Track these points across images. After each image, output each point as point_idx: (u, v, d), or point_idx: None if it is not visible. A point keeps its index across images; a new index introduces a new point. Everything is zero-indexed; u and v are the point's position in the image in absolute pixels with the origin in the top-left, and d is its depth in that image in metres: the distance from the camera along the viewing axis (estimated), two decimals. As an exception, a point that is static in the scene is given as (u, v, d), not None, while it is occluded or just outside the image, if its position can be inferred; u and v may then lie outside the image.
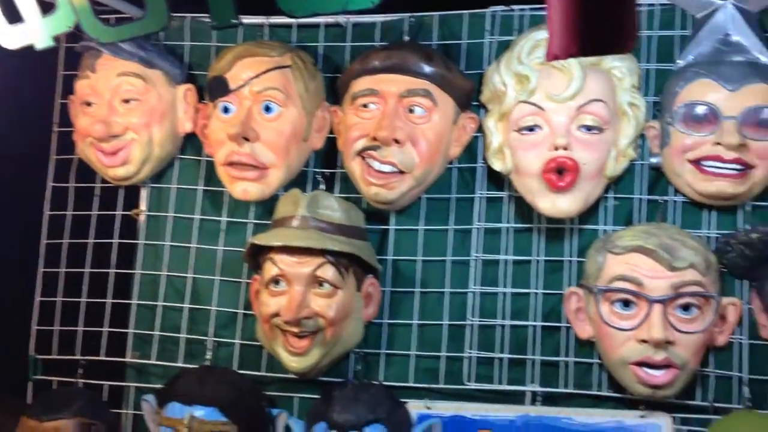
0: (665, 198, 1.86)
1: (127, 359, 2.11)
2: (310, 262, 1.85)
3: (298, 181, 2.04)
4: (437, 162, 1.94)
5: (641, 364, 1.71)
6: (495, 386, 1.90)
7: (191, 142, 2.13)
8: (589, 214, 1.91)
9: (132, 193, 2.17)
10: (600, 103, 1.81)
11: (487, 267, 1.96)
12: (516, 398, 1.89)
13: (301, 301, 1.84)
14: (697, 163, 1.76)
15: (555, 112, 1.81)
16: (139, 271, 2.13)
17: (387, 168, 1.90)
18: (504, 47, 1.94)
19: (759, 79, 1.73)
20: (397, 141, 1.88)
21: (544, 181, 1.81)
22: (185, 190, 2.12)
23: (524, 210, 1.93)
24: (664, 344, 1.69)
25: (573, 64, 1.80)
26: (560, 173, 1.80)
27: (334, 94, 2.06)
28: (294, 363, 1.88)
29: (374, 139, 1.89)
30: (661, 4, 1.90)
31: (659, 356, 1.69)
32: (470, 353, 1.93)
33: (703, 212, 1.84)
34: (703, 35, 1.79)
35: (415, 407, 1.88)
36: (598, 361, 1.84)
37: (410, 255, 2.00)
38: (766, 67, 1.75)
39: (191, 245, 2.09)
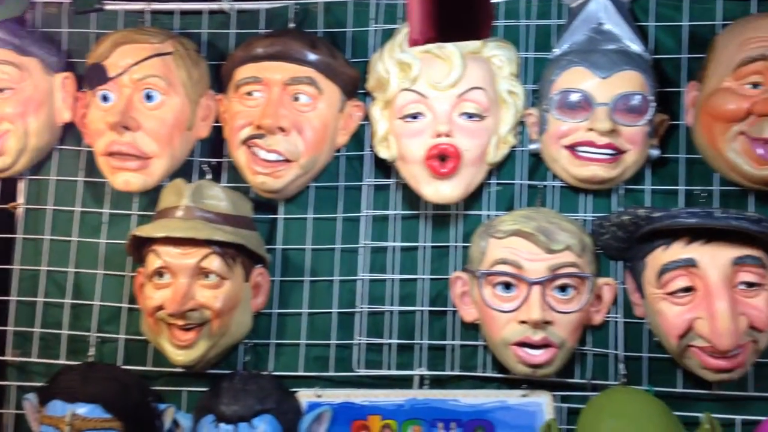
0: (544, 183, 1.92)
1: (7, 358, 2.03)
2: (195, 253, 1.83)
3: (184, 171, 2.01)
4: (324, 150, 1.94)
5: (521, 344, 1.76)
6: (384, 372, 1.92)
7: (70, 132, 2.06)
8: (474, 199, 1.95)
9: (9, 186, 2.09)
10: (480, 90, 1.85)
11: (376, 254, 1.98)
12: (405, 383, 1.92)
13: (186, 292, 1.81)
14: (572, 148, 1.82)
15: (437, 99, 1.84)
16: (18, 267, 2.05)
17: (273, 156, 1.89)
18: (389, 35, 1.95)
19: (629, 66, 1.80)
20: (282, 129, 1.88)
21: (427, 168, 1.83)
22: (65, 182, 2.06)
23: (411, 197, 1.95)
24: (543, 324, 1.74)
25: (454, 52, 1.83)
26: (442, 160, 1.83)
27: (220, 82, 2.03)
28: (180, 356, 1.85)
29: (259, 127, 1.87)
30: (539, -6, 1.96)
31: (538, 336, 1.75)
32: (359, 340, 1.94)
33: (580, 196, 1.90)
34: (578, 24, 1.85)
35: (305, 396, 1.88)
36: (483, 343, 1.88)
37: (299, 244, 2.00)
38: (637, 54, 1.82)
39: (72, 239, 2.03)
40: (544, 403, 1.81)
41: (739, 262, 1.67)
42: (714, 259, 1.67)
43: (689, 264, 1.69)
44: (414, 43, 1.03)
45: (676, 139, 1.88)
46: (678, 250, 1.70)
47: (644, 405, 1.72)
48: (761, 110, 1.67)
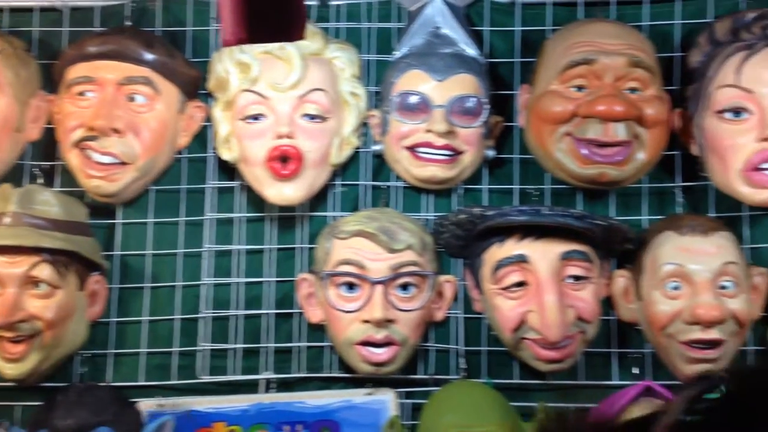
0: (388, 184, 1.94)
1: None
2: (23, 261, 1.74)
3: (14, 176, 1.91)
4: (162, 152, 1.89)
5: (365, 343, 1.78)
6: (229, 377, 1.89)
7: None
8: (319, 201, 1.95)
9: None
10: (322, 92, 1.85)
11: (221, 258, 1.94)
12: (252, 387, 1.89)
13: (15, 303, 1.72)
14: (412, 149, 1.86)
15: (278, 100, 1.83)
16: None
17: (107, 159, 1.83)
18: (230, 35, 1.93)
19: (464, 69, 1.85)
20: (116, 131, 1.81)
21: (268, 170, 1.82)
22: None
23: (257, 199, 1.93)
24: (385, 323, 1.77)
25: (294, 53, 1.83)
26: (284, 161, 1.82)
27: (53, 82, 1.94)
28: (10, 370, 1.76)
29: (91, 128, 1.81)
30: (379, -4, 1.99)
31: (380, 335, 1.77)
32: (203, 346, 1.90)
33: (422, 196, 1.94)
34: (416, 28, 1.89)
35: (146, 406, 1.83)
36: (329, 344, 1.89)
37: (139, 249, 1.93)
38: (472, 58, 1.88)
39: None
40: (388, 401, 1.84)
41: (566, 257, 1.75)
42: (543, 255, 1.75)
43: (521, 260, 1.76)
44: (226, 43, 1.02)
45: (511, 139, 1.95)
46: (511, 247, 1.77)
47: (482, 397, 1.77)
48: (585, 112, 1.76)
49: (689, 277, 1.74)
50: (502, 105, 1.95)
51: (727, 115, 1.77)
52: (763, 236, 1.88)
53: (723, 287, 1.74)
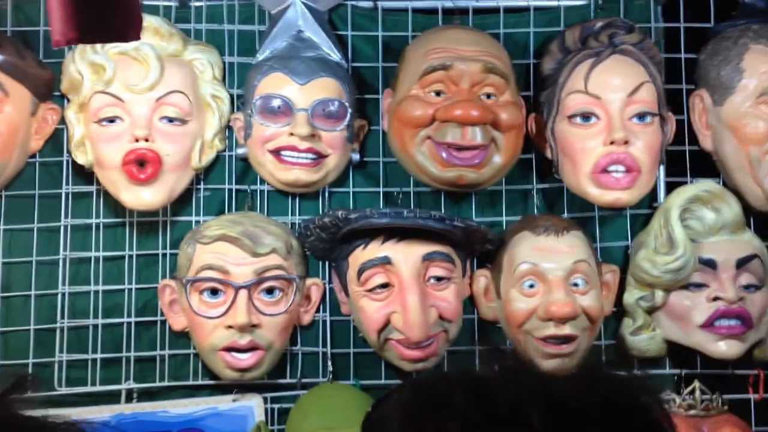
0: (253, 187, 1.93)
1: None
2: None
3: None
4: (13, 156, 1.81)
5: (229, 349, 1.76)
6: (89, 388, 1.83)
7: None
8: (183, 205, 1.91)
9: None
10: (180, 94, 1.82)
11: (78, 265, 1.88)
12: (114, 398, 1.84)
13: None
14: (276, 153, 1.85)
15: (134, 103, 1.79)
16: None
17: (-50, 164, 1.74)
18: (87, 35, 1.87)
19: (327, 73, 1.86)
20: (-40, 134, 1.73)
21: (125, 174, 1.77)
22: None
23: (116, 204, 1.87)
24: (249, 328, 1.75)
25: (150, 54, 1.79)
26: (141, 165, 1.78)
27: None
28: None
29: (-68, 132, 1.71)
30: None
31: (244, 340, 1.76)
32: (61, 357, 1.84)
33: (288, 199, 1.94)
34: (278, 31, 1.88)
35: (-2, 422, 1.75)
36: (194, 351, 1.86)
37: (-10, 258, 1.85)
38: (335, 62, 1.89)
39: None
40: (254, 406, 1.83)
41: (428, 258, 1.79)
42: (406, 256, 1.78)
43: (384, 261, 1.78)
44: (56, 44, 0.98)
45: (377, 143, 1.98)
46: (374, 249, 1.79)
47: (348, 399, 1.79)
48: (442, 116, 1.80)
49: (543, 275, 1.82)
50: (366, 109, 1.97)
51: (577, 120, 1.85)
52: (612, 235, 1.98)
53: (575, 285, 1.82)
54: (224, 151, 1.92)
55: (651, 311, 1.90)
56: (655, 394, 0.94)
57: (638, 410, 0.91)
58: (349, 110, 1.87)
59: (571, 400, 0.88)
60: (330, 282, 1.91)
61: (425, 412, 0.90)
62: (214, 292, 1.77)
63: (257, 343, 1.77)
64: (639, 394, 0.92)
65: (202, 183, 1.92)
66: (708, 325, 1.83)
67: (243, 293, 1.76)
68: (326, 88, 1.85)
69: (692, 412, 1.81)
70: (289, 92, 1.83)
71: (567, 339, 1.82)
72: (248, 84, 1.89)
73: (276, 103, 1.84)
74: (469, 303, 1.93)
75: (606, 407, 0.89)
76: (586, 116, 1.85)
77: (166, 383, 1.86)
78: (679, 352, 1.93)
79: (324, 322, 1.92)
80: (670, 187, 1.92)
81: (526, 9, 2.00)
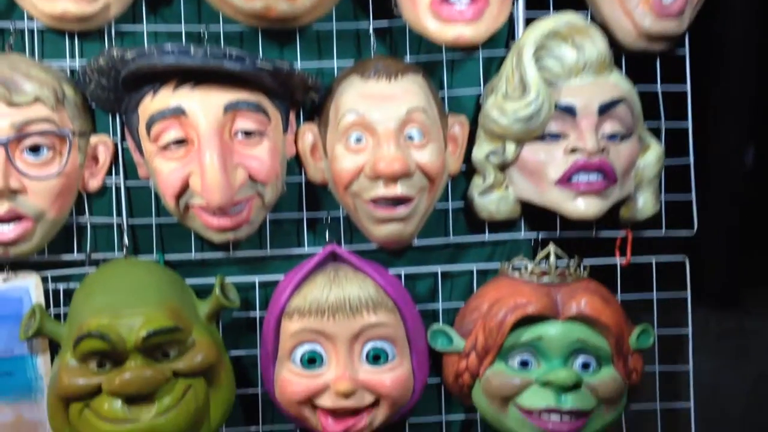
0: (19, 24, 1.57)
1: None
2: None
3: None
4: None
5: (-13, 220, 1.46)
6: None
7: None
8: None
9: None
10: None
11: None
12: None
13: None
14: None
15: None
16: None
17: None
18: None
19: None
20: None
21: None
22: None
23: None
24: (9, 194, 1.44)
25: None
26: None
27: None
28: None
29: None
30: None
31: (2, 209, 1.45)
32: None
33: (66, 39, 1.58)
34: None
35: None
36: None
37: None
38: None
39: None
40: (30, 287, 1.54)
41: (231, 108, 1.47)
42: (203, 106, 1.46)
43: (177, 113, 1.46)
44: None
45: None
46: (165, 98, 1.47)
47: (143, 276, 1.51)
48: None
49: (371, 127, 1.52)
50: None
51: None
52: (463, 81, 1.68)
53: (410, 137, 1.54)
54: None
55: (503, 167, 1.64)
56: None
57: None
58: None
59: None
60: (124, 140, 1.61)
61: None
62: (-32, 150, 1.45)
63: (21, 212, 1.46)
64: None
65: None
66: (564, 180, 1.57)
67: (0, 152, 1.44)
68: None
69: (546, 279, 1.57)
70: None
71: (400, 201, 1.55)
72: None
73: None
74: (296, 163, 1.65)
75: None
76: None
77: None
78: (537, 215, 1.70)
79: (118, 188, 1.62)
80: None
81: None
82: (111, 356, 1.41)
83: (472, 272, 1.69)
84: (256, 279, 1.65)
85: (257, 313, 1.65)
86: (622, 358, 1.57)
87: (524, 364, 1.55)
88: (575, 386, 1.52)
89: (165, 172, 1.51)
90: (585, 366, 1.55)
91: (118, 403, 1.42)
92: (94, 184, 1.58)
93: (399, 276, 1.66)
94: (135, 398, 1.42)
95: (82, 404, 1.43)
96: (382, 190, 1.54)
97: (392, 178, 1.52)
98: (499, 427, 1.60)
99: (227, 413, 1.54)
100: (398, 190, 1.53)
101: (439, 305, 1.69)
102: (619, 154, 1.59)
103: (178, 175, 1.49)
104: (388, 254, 1.69)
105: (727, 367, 2.81)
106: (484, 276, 1.69)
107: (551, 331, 1.54)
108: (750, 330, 2.94)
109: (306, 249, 1.67)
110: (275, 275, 1.64)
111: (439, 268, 1.69)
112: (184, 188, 1.50)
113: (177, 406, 1.44)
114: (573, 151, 1.56)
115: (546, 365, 1.54)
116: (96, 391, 1.42)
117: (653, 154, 1.65)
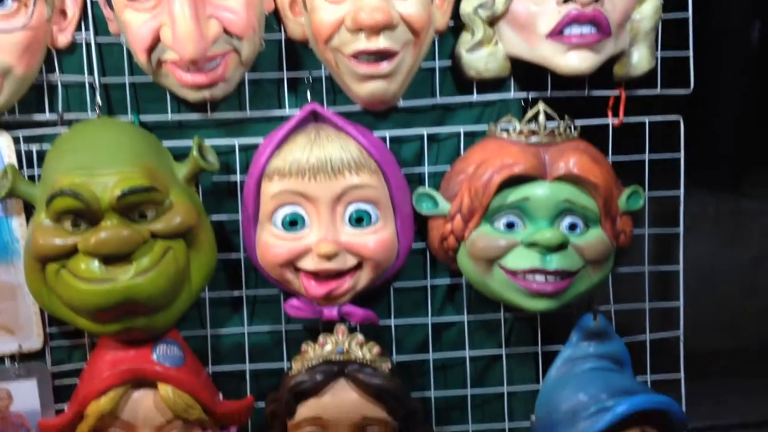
0: None
1: None
2: None
3: None
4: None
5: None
6: None
7: None
8: None
9: None
10: None
11: None
12: None
13: None
14: None
15: None
16: None
17: None
18: None
19: None
20: None
21: None
22: None
23: None
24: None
25: None
26: None
27: None
28: None
29: None
30: None
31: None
32: None
33: None
34: None
35: None
36: None
37: None
38: None
39: None
40: (2, 146, 1.50)
41: (203, -48, 1.40)
42: (172, -49, 1.39)
43: (145, -42, 1.39)
44: None
45: None
46: (131, -58, 1.39)
47: (118, 136, 1.46)
48: None
49: (351, -27, 1.45)
50: None
51: None
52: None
53: (393, -16, 1.46)
54: None
55: (492, 22, 1.55)
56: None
57: None
58: None
59: None
60: (90, -5, 1.53)
61: None
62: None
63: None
64: None
65: None
66: (556, 33, 1.49)
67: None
68: None
69: (534, 138, 1.52)
70: None
71: (383, 55, 1.48)
72: None
73: None
74: (275, 20, 1.57)
75: None
76: None
77: None
78: (527, 74, 1.63)
79: (88, 44, 1.55)
80: None
81: None
82: (86, 216, 1.38)
83: (459, 134, 1.63)
84: (236, 142, 1.60)
85: (238, 177, 1.61)
86: (611, 220, 1.53)
87: (510, 225, 1.51)
88: (561, 246, 1.49)
89: (135, 24, 1.43)
90: (572, 227, 1.51)
91: (95, 263, 1.39)
92: (63, 40, 1.51)
93: (384, 139, 1.61)
94: (112, 258, 1.39)
95: (59, 265, 1.41)
96: (363, 44, 1.46)
97: (374, 30, 1.44)
98: (483, 290, 1.58)
99: (209, 277, 1.52)
100: (381, 43, 1.45)
101: (425, 169, 1.64)
102: (614, 5, 1.51)
103: (148, 27, 1.42)
104: (373, 116, 1.63)
105: (726, 247, 2.80)
106: (472, 138, 1.63)
107: (538, 191, 1.50)
108: (747, 212, 2.92)
109: (287, 111, 1.60)
110: (256, 138, 1.59)
111: (425, 131, 1.63)
112: (156, 41, 1.43)
113: (156, 267, 1.41)
114: (566, 1, 1.48)
115: (532, 227, 1.50)
116: (72, 251, 1.39)
117: (650, 6, 1.57)
